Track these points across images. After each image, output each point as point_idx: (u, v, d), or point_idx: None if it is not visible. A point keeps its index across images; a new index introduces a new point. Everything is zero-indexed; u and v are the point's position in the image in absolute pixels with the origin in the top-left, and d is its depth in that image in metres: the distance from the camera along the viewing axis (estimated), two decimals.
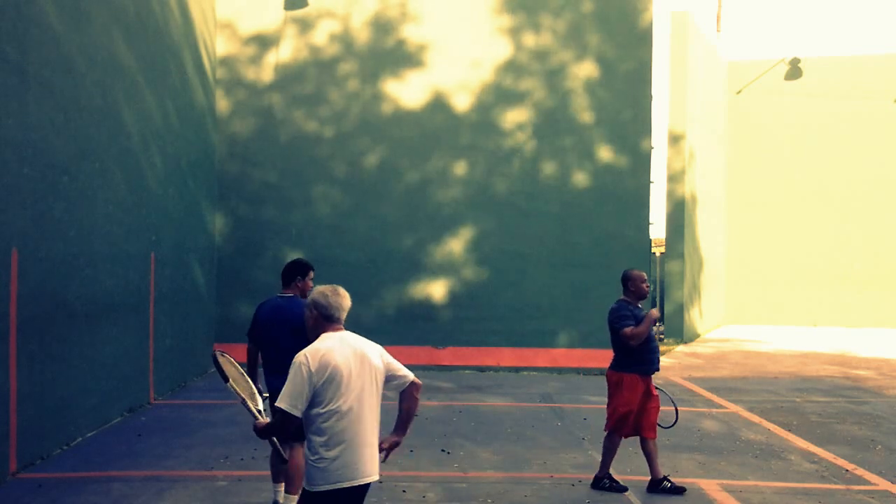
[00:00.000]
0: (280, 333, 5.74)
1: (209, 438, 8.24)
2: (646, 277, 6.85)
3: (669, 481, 6.58)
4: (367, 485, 3.79)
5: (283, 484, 5.80)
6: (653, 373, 6.76)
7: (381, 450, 3.92)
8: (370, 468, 3.77)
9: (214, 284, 13.10)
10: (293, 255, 13.36)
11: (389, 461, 7.39)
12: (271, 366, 5.83)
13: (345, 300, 3.89)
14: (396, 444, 3.96)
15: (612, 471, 6.77)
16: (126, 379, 9.34)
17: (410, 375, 3.97)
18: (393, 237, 13.58)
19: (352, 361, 3.75)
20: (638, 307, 6.80)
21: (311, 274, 6.00)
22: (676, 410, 7.39)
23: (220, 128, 13.51)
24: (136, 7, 9.77)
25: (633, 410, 6.64)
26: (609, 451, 6.72)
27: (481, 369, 13.44)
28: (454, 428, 9.03)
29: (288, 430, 3.78)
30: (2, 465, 6.58)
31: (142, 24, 9.98)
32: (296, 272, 5.94)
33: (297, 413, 3.65)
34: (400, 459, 7.55)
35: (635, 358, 6.69)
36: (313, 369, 3.65)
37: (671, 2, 21.80)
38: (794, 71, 24.45)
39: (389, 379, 3.92)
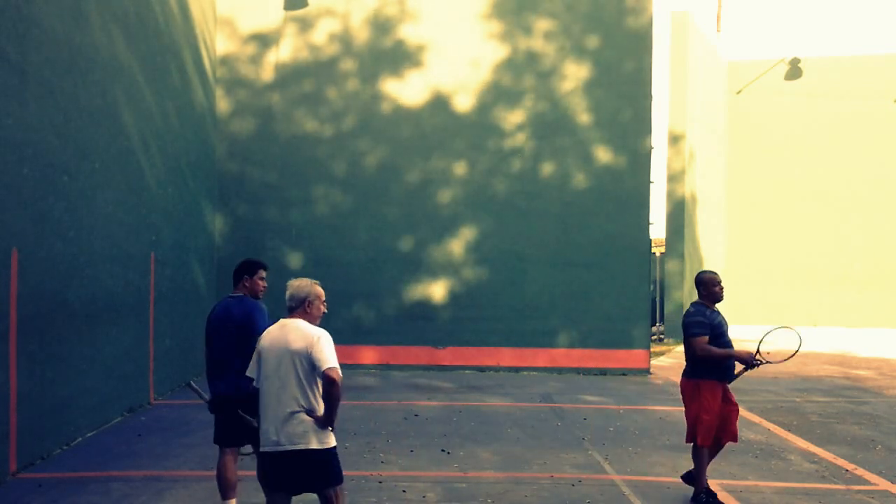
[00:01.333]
0: (222, 333, 5.65)
1: (209, 438, 8.20)
2: (719, 280, 6.44)
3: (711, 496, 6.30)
4: (289, 452, 4.37)
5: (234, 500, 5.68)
6: (729, 379, 6.38)
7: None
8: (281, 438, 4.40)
9: (214, 284, 13.10)
10: (293, 255, 13.43)
11: (389, 461, 7.43)
12: (211, 367, 5.74)
13: (288, 290, 4.57)
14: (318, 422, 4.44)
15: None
16: (126, 379, 9.34)
17: (325, 366, 4.35)
18: (393, 237, 13.58)
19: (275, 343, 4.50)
20: (715, 311, 6.39)
21: (262, 273, 5.83)
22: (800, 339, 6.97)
23: (220, 127, 13.51)
24: (136, 7, 9.77)
25: (716, 416, 6.27)
26: (701, 465, 6.33)
27: (481, 369, 13.44)
28: (454, 428, 9.02)
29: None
30: (2, 465, 6.58)
31: (142, 24, 9.99)
32: (243, 271, 5.81)
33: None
34: (400, 459, 7.55)
35: (710, 365, 6.26)
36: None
37: (671, 2, 21.78)
38: (794, 71, 24.44)
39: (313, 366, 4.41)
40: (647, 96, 13.71)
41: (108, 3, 8.95)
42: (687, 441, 6.50)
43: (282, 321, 4.56)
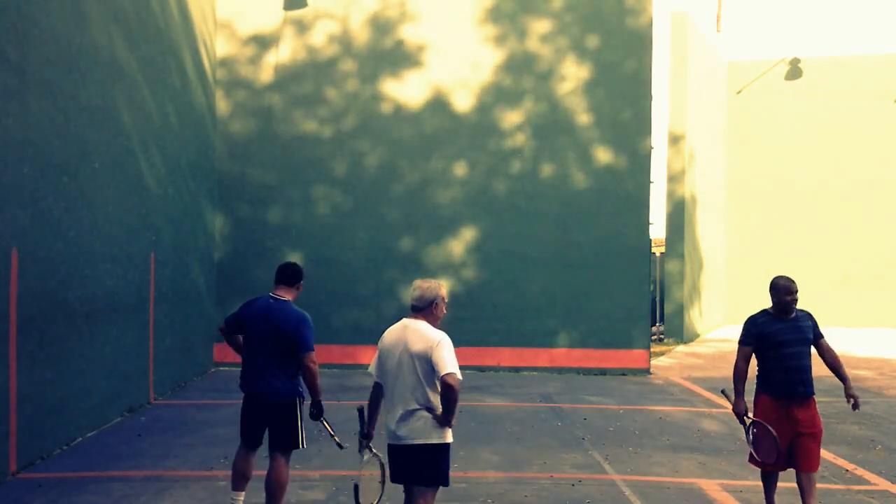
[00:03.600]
0: (265, 335, 5.57)
1: (209, 438, 8.24)
2: (792, 288, 5.70)
3: None
4: (410, 446, 4.62)
5: (243, 493, 5.67)
6: (789, 397, 5.64)
7: None
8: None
9: (214, 284, 13.10)
10: (293, 256, 13.40)
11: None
12: (250, 366, 5.66)
13: (415, 290, 4.71)
14: None
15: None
16: (126, 379, 9.34)
17: (444, 371, 4.52)
18: (393, 237, 13.58)
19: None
20: (781, 320, 5.70)
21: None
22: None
23: (219, 128, 13.51)
24: (136, 7, 9.77)
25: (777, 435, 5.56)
26: (765, 487, 5.92)
27: (481, 369, 13.44)
28: (454, 428, 9.01)
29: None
30: (2, 465, 6.58)
31: (142, 24, 9.99)
32: (299, 277, 5.81)
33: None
34: None
35: (766, 377, 5.75)
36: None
37: (671, 2, 21.79)
38: (794, 71, 24.43)
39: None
40: (647, 96, 13.71)
41: (108, 3, 8.95)
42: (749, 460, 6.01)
43: (404, 321, 4.70)
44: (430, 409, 4.59)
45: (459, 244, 13.59)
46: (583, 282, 13.48)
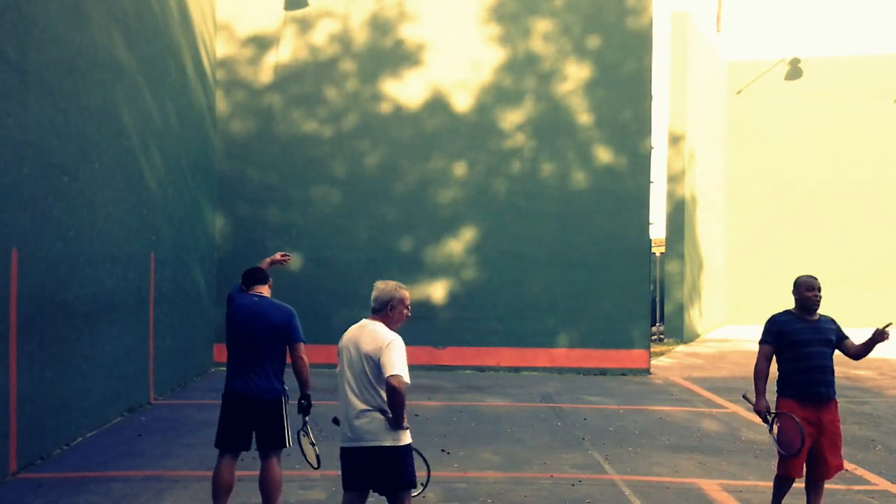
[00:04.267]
0: (255, 332, 5.57)
1: (209, 438, 8.18)
2: (814, 285, 5.64)
3: None
4: (360, 448, 4.51)
5: None
6: (811, 398, 5.49)
7: None
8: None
9: (214, 284, 13.10)
10: (293, 256, 13.36)
11: None
12: (234, 364, 5.65)
13: (373, 292, 4.68)
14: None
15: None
16: (126, 379, 9.34)
17: (388, 372, 4.41)
18: (393, 237, 13.58)
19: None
20: (804, 319, 5.63)
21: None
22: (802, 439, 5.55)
23: (219, 128, 13.51)
24: (136, 7, 9.77)
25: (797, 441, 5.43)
26: (773, 495, 5.74)
27: (481, 369, 13.44)
28: (454, 428, 9.02)
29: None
30: (2, 465, 6.58)
31: (142, 24, 9.99)
32: (266, 277, 5.88)
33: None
34: None
35: (786, 379, 5.59)
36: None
37: (671, 2, 21.78)
38: (794, 71, 24.44)
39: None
40: (647, 96, 13.71)
41: (108, 3, 8.95)
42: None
43: (363, 322, 4.68)
44: (382, 411, 4.46)
45: (459, 244, 13.59)
46: (583, 282, 13.48)
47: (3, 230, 6.59)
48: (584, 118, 13.66)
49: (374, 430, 4.45)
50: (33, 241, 7.09)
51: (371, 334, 4.54)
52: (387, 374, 4.36)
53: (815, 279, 5.70)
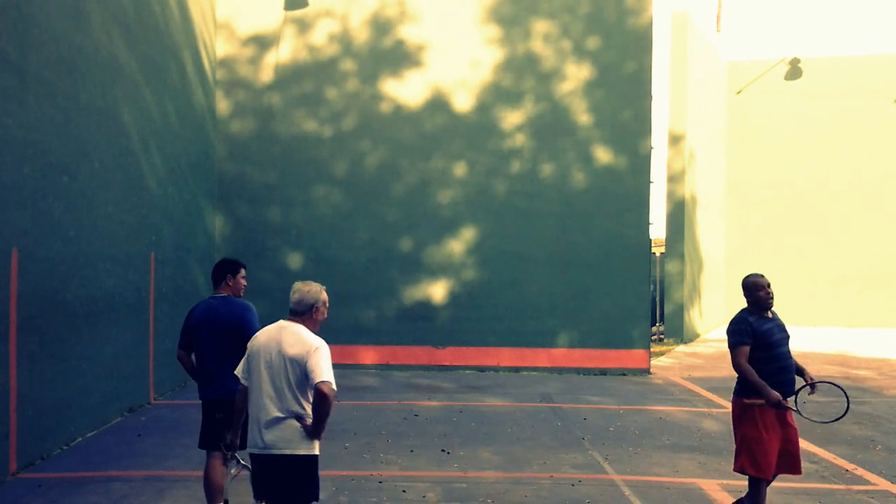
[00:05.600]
0: (211, 335, 5.54)
1: None
2: (764, 284, 5.60)
3: None
4: (274, 456, 4.30)
5: None
6: (787, 397, 5.51)
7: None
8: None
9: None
10: (293, 256, 13.42)
11: (389, 461, 7.43)
12: (201, 371, 5.59)
13: (295, 293, 4.42)
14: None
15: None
16: (126, 379, 9.34)
17: (318, 379, 4.22)
18: (393, 237, 13.58)
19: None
20: (767, 317, 5.58)
21: (243, 272, 5.80)
22: (848, 400, 5.95)
23: (219, 128, 13.51)
24: (136, 7, 9.77)
25: (772, 442, 5.43)
26: (753, 499, 5.58)
27: (481, 369, 13.44)
28: (454, 428, 9.02)
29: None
30: (2, 465, 6.58)
31: (142, 24, 9.99)
32: (225, 271, 5.74)
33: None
34: (400, 459, 7.55)
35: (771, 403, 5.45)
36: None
37: (671, 2, 21.79)
38: (794, 71, 24.44)
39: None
40: (647, 96, 13.71)
41: (108, 3, 8.95)
42: (734, 469, 5.69)
43: (281, 323, 4.42)
44: (299, 418, 4.27)
45: (459, 244, 13.59)
46: (583, 282, 13.48)
47: (3, 230, 6.59)
48: (584, 118, 13.66)
49: (289, 438, 4.26)
50: (33, 241, 7.10)
51: (295, 337, 4.29)
52: (317, 381, 4.17)
53: (763, 276, 5.67)
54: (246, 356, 4.46)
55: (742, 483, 6.97)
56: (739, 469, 5.58)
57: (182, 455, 7.58)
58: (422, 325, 13.47)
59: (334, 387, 4.20)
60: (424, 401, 10.69)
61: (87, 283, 8.20)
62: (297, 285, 4.45)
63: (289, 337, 4.30)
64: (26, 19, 7.06)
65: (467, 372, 13.34)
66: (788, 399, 5.49)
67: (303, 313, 4.39)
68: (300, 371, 4.23)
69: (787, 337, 5.62)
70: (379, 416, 9.58)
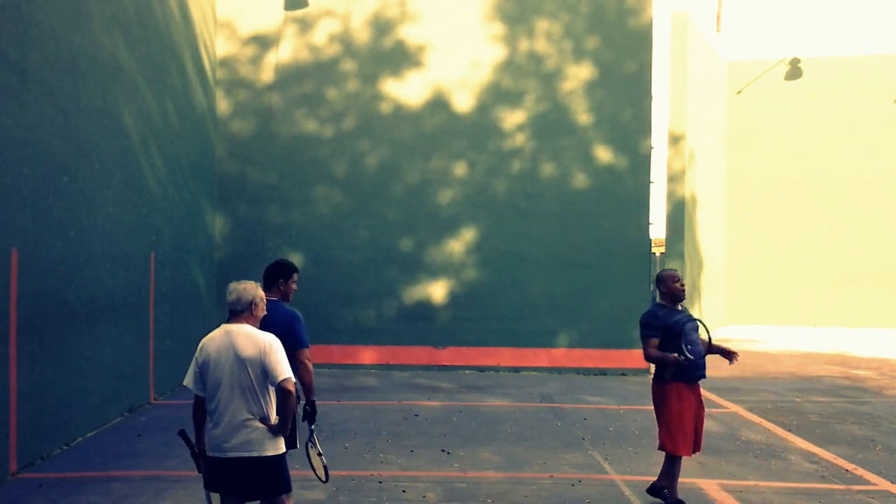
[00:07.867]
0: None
1: None
2: (678, 277, 6.15)
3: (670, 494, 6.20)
4: (243, 459, 4.31)
5: None
6: (699, 379, 6.12)
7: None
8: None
9: (214, 285, 13.10)
10: (293, 256, 13.41)
11: (389, 461, 7.43)
12: None
13: (231, 294, 4.43)
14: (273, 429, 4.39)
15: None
16: (126, 379, 9.34)
17: (280, 377, 4.27)
18: (393, 237, 13.58)
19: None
20: (676, 310, 6.08)
21: (295, 276, 5.62)
22: (710, 336, 6.33)
23: (220, 128, 13.51)
24: (136, 7, 9.77)
25: (690, 421, 6.05)
26: (672, 475, 6.16)
27: (481, 369, 13.45)
28: (454, 428, 9.02)
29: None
30: (2, 465, 6.58)
31: (142, 24, 9.99)
32: (279, 275, 5.55)
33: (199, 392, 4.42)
34: (400, 459, 7.55)
35: (674, 367, 5.99)
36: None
37: (671, 2, 21.79)
38: (794, 71, 24.45)
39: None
40: (647, 96, 13.71)
41: (108, 3, 8.95)
42: (658, 448, 6.25)
43: (225, 327, 4.39)
44: (263, 420, 4.30)
45: (459, 244, 13.60)
46: (583, 282, 13.49)
47: (3, 230, 6.59)
48: (585, 118, 13.67)
49: (256, 440, 4.30)
50: (33, 241, 7.10)
51: (247, 338, 4.30)
52: (279, 379, 4.22)
53: (676, 271, 6.27)
54: (196, 367, 4.40)
55: (742, 483, 6.98)
56: (660, 446, 6.18)
57: (182, 455, 7.57)
58: (422, 325, 13.47)
59: (294, 379, 4.32)
60: (424, 401, 10.69)
61: (87, 283, 8.20)
62: (233, 285, 4.46)
63: (240, 339, 4.31)
64: (26, 19, 7.06)
65: (467, 372, 13.34)
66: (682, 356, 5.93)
67: (242, 311, 4.40)
68: (259, 371, 4.27)
69: (696, 326, 6.14)
70: (379, 416, 9.58)
